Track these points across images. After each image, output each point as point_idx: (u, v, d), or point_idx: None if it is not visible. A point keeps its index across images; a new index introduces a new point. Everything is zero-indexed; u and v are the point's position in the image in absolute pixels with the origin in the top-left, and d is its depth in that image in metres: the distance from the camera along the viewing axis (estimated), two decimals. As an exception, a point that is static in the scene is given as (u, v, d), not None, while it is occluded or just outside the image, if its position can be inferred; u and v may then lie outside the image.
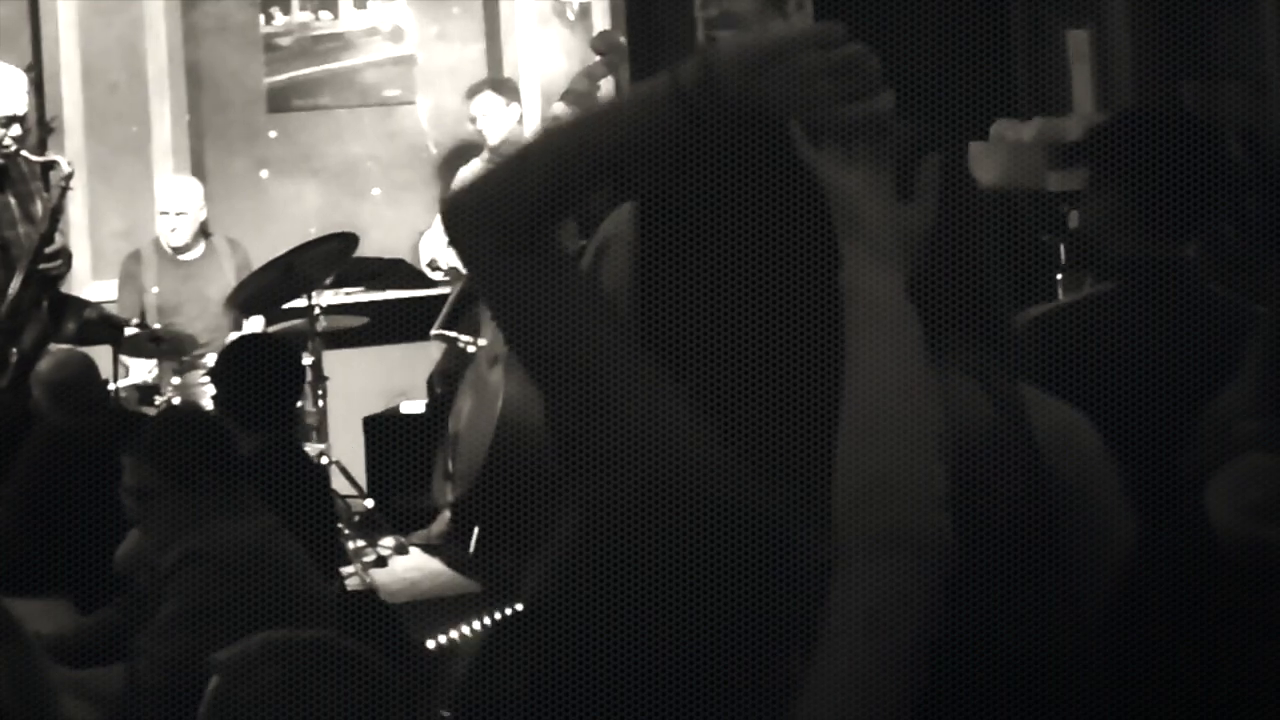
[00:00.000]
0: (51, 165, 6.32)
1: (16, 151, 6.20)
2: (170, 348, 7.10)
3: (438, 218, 7.84)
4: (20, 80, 6.30)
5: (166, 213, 7.52)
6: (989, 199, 2.08)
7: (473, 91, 7.92)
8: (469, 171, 7.89)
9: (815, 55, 1.74)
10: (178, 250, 7.52)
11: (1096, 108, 6.13)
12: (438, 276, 7.86)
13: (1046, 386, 2.05)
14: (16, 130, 6.19)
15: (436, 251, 7.86)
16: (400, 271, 8.04)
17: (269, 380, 5.29)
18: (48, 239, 6.25)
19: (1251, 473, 1.60)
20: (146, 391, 7.04)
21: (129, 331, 7.01)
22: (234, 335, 7.04)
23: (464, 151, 8.14)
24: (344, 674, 2.46)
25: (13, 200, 6.26)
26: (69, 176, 6.34)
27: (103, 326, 6.85)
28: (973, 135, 5.97)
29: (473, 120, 7.87)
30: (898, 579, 1.58)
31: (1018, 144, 5.92)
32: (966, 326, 1.88)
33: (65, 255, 6.39)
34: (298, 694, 2.43)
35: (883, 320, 1.67)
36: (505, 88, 7.95)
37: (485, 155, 7.84)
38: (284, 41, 8.37)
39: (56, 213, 6.27)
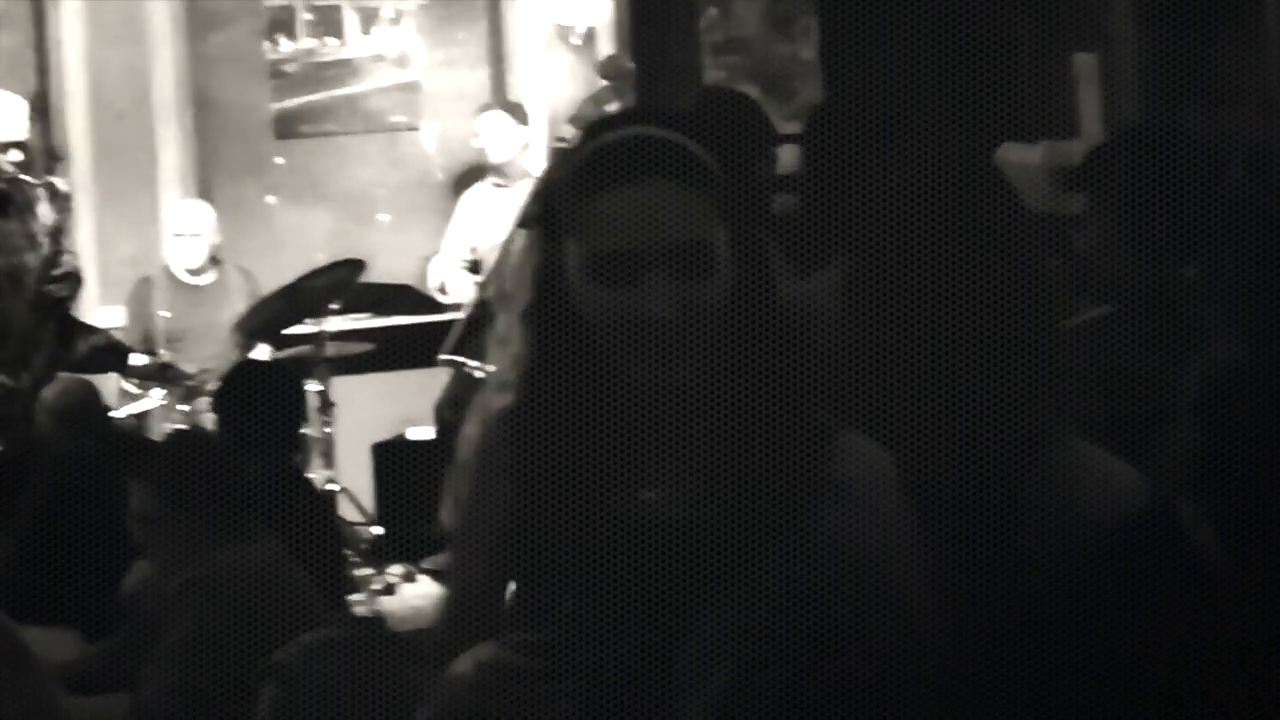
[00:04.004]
0: (51, 188, 6.33)
1: (17, 176, 6.22)
2: (177, 375, 7.11)
3: (444, 241, 7.90)
4: (20, 106, 6.31)
5: (181, 235, 7.52)
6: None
7: (481, 110, 7.95)
8: (474, 195, 7.92)
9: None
10: (190, 273, 7.53)
11: (1103, 130, 6.12)
12: (446, 301, 7.86)
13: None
14: (17, 155, 6.21)
15: (445, 276, 7.87)
16: (407, 297, 8.04)
17: (270, 406, 5.28)
18: (52, 262, 6.26)
19: None
20: (152, 418, 7.04)
21: (136, 359, 7.01)
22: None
23: (470, 176, 8.16)
24: (391, 658, 2.53)
25: (18, 226, 6.28)
26: (67, 197, 6.36)
27: (110, 353, 6.86)
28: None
29: (476, 137, 7.89)
30: None
31: (1024, 167, 5.91)
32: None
33: (74, 278, 6.39)
34: (354, 679, 2.49)
35: None
36: (515, 110, 7.97)
37: (491, 178, 7.85)
38: (290, 68, 8.39)
39: (58, 234, 6.28)
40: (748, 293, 1.92)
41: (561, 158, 2.05)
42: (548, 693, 1.81)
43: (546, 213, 1.98)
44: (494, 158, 7.83)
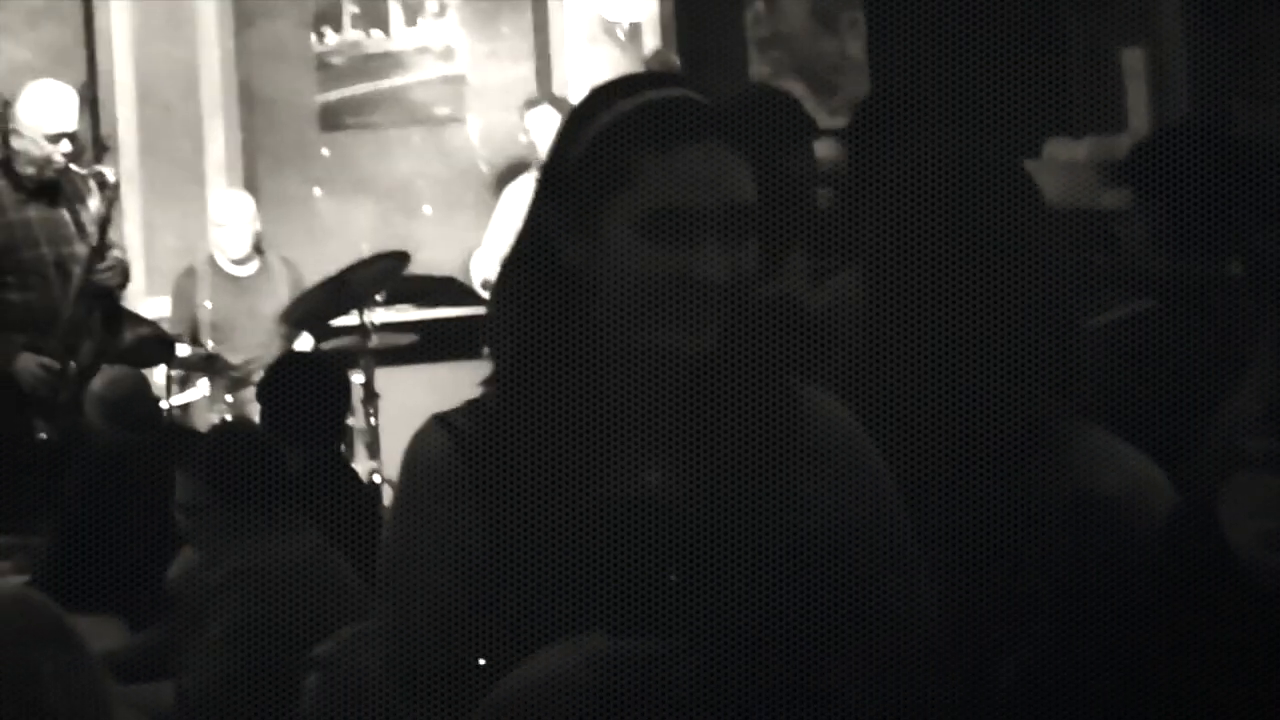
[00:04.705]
0: (99, 177, 6.36)
1: (67, 167, 6.25)
2: (222, 366, 7.14)
3: (487, 236, 7.91)
4: (70, 97, 6.34)
5: (223, 224, 7.56)
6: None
7: (530, 104, 7.98)
8: (518, 189, 7.94)
9: None
10: (234, 263, 7.56)
11: (1151, 126, 6.10)
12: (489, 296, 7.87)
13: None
14: (67, 146, 6.24)
15: (489, 273, 7.88)
16: (451, 289, 8.06)
17: (315, 397, 5.28)
18: (100, 252, 6.29)
19: (1267, 499, 1.60)
20: (197, 408, 7.07)
21: (182, 350, 7.04)
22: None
23: (514, 169, 8.19)
24: None
25: (68, 215, 6.31)
26: (115, 186, 6.38)
27: (156, 344, 6.89)
28: (1027, 153, 5.95)
29: (526, 132, 7.92)
30: None
31: (1071, 162, 5.89)
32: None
33: (121, 267, 6.42)
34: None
35: None
36: (560, 105, 8.00)
37: (534, 173, 7.87)
38: (336, 60, 8.43)
39: (105, 223, 6.31)
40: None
41: (571, 119, 1.94)
42: (683, 675, 1.71)
43: (558, 171, 1.89)
44: (541, 153, 7.84)
